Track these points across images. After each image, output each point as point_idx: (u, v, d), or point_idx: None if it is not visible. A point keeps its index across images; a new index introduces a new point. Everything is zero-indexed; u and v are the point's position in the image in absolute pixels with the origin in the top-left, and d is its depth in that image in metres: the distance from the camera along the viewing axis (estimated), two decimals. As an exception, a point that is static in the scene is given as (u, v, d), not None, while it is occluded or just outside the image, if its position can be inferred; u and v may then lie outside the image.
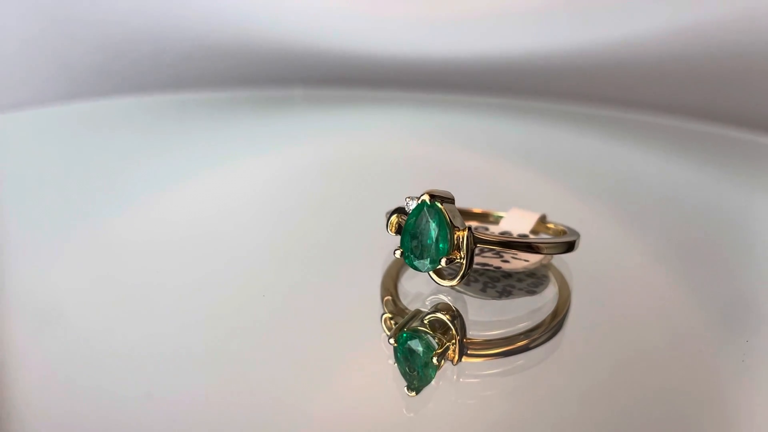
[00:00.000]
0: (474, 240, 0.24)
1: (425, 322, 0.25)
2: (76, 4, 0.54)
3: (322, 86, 0.58)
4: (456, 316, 0.25)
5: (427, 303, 0.26)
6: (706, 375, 0.25)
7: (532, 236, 0.29)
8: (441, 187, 0.39)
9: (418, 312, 0.25)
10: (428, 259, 0.24)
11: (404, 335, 0.24)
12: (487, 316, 0.26)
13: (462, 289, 0.26)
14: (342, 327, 0.26)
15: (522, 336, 0.25)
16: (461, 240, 0.24)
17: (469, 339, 0.24)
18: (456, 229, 0.24)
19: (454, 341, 0.24)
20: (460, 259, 0.24)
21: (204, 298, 0.28)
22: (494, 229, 0.30)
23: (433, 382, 0.23)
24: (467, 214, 0.31)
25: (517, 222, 0.29)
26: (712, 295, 0.30)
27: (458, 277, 0.24)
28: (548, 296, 0.27)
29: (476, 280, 0.27)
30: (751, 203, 0.41)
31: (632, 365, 0.25)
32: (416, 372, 0.23)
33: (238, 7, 0.56)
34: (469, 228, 0.24)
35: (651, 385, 0.24)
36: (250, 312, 0.27)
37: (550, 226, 0.30)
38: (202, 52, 0.57)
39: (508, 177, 0.44)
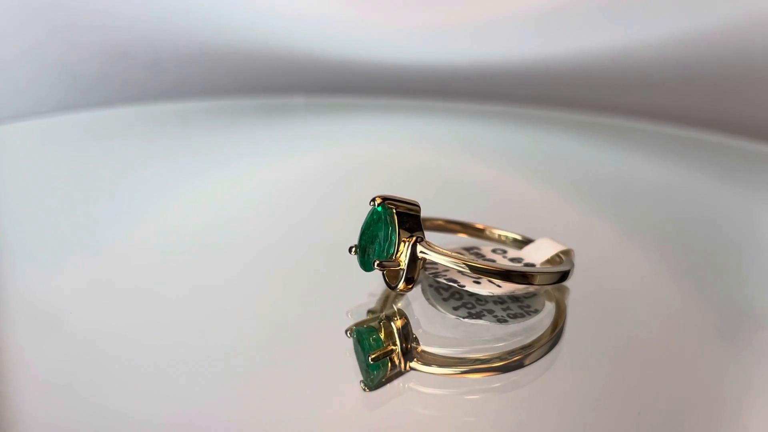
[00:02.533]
0: (416, 250, 0.25)
1: (381, 324, 0.26)
2: (77, 12, 0.54)
3: (324, 94, 0.58)
4: (405, 323, 0.26)
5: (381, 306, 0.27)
6: (705, 384, 0.25)
7: (539, 266, 0.29)
8: (440, 195, 0.40)
9: (382, 314, 0.27)
10: (369, 261, 0.25)
11: (357, 331, 0.25)
12: (460, 334, 0.26)
13: (434, 302, 0.27)
14: (339, 327, 0.27)
15: (507, 355, 0.25)
16: (407, 247, 0.25)
17: (422, 349, 0.25)
18: (404, 236, 0.25)
19: (395, 346, 0.25)
20: (402, 265, 0.25)
21: (206, 304, 0.28)
22: (514, 254, 0.29)
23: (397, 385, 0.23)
24: (468, 228, 0.31)
25: (537, 252, 0.29)
26: (711, 302, 0.30)
27: (400, 282, 0.25)
28: (518, 328, 0.26)
29: (459, 297, 0.27)
30: (750, 211, 0.41)
31: (630, 377, 0.25)
32: (365, 369, 0.24)
33: (240, 16, 0.56)
34: (418, 238, 0.25)
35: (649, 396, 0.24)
36: (251, 317, 0.27)
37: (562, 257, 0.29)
38: (204, 61, 0.57)
39: (507, 185, 0.44)
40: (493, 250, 0.30)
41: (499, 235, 0.31)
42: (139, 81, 0.57)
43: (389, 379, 0.24)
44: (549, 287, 0.28)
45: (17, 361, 0.25)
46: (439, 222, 0.31)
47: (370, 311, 0.27)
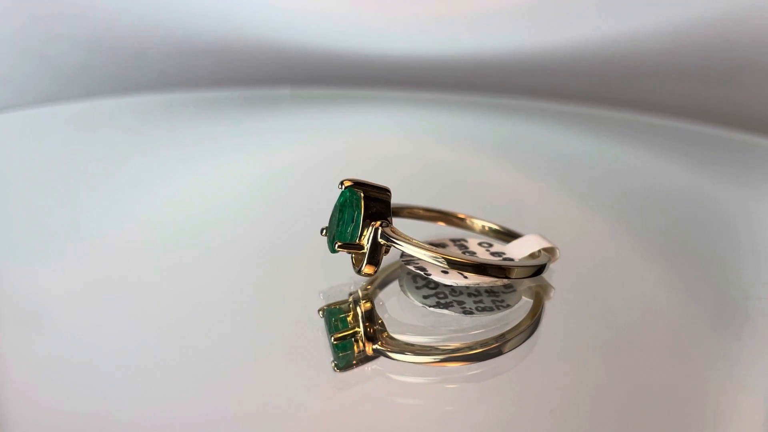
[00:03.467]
0: (379, 234, 0.25)
1: (349, 306, 0.27)
2: (58, 2, 0.54)
3: (310, 85, 0.58)
4: (370, 307, 0.26)
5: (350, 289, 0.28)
6: (691, 374, 0.25)
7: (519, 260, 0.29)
8: (425, 185, 0.40)
9: (350, 297, 0.27)
10: (332, 242, 0.26)
11: (327, 311, 0.26)
12: (431, 323, 0.26)
13: (406, 290, 0.27)
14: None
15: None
16: (370, 231, 0.25)
17: (388, 334, 0.25)
18: (369, 220, 0.25)
19: (357, 329, 0.25)
20: (365, 249, 0.25)
21: (191, 297, 0.28)
22: (498, 249, 0.29)
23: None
24: (448, 217, 0.31)
25: (521, 247, 0.29)
26: (699, 293, 0.30)
27: (363, 266, 0.26)
28: (487, 320, 0.26)
29: (433, 287, 0.27)
30: (741, 203, 0.41)
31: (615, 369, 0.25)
32: (333, 349, 0.25)
33: (225, 6, 0.56)
34: (383, 223, 0.25)
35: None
36: (236, 309, 0.27)
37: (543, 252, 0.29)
38: (189, 52, 0.57)
39: (494, 176, 0.44)
40: (480, 243, 0.29)
41: (483, 226, 0.31)
42: (122, 72, 0.56)
43: (361, 362, 0.24)
44: (531, 284, 0.28)
45: (2, 357, 0.25)
46: (419, 211, 0.31)
47: (351, 294, 0.27)
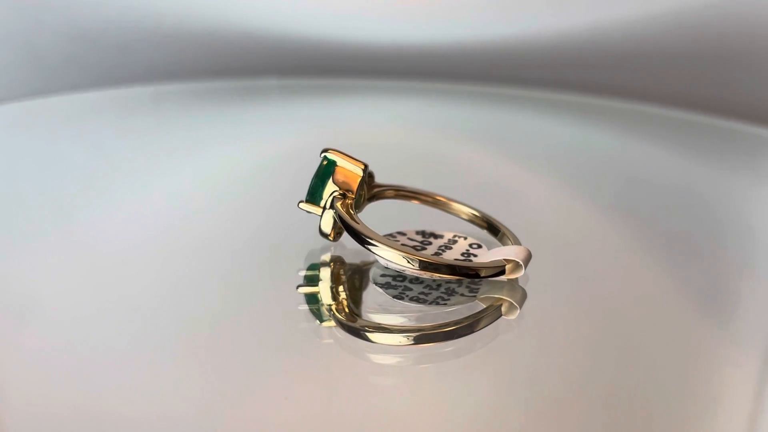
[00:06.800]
0: (330, 203, 0.27)
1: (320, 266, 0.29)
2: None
3: (298, 76, 0.58)
4: (332, 270, 0.28)
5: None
6: (672, 359, 0.25)
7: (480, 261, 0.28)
8: (416, 175, 0.39)
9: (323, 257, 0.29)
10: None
11: (310, 266, 0.29)
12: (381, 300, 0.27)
13: (373, 275, 0.28)
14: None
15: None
16: (329, 199, 0.27)
17: (345, 300, 0.26)
18: (333, 188, 0.27)
19: (318, 288, 0.27)
20: (320, 213, 0.27)
21: (182, 288, 0.28)
22: (482, 252, 0.29)
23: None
24: (423, 196, 0.31)
25: (497, 253, 0.28)
26: (687, 280, 0.30)
27: (320, 229, 0.28)
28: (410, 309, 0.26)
29: (401, 278, 0.27)
30: (730, 189, 0.41)
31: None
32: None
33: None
34: (342, 193, 0.27)
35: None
36: (228, 302, 0.27)
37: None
38: (176, 43, 0.57)
39: (484, 165, 0.44)
40: (470, 244, 0.29)
41: (472, 214, 0.30)
42: (108, 64, 0.56)
43: (335, 320, 0.25)
44: (493, 295, 0.27)
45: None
46: (392, 191, 0.31)
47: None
